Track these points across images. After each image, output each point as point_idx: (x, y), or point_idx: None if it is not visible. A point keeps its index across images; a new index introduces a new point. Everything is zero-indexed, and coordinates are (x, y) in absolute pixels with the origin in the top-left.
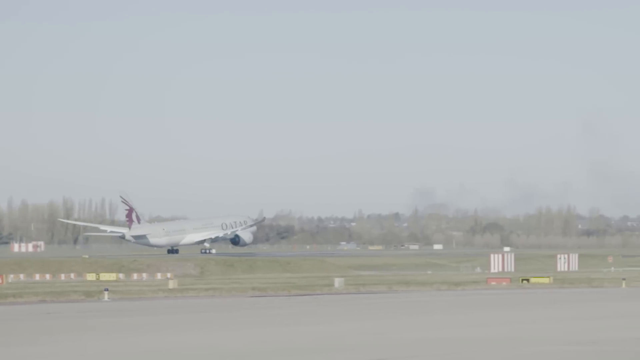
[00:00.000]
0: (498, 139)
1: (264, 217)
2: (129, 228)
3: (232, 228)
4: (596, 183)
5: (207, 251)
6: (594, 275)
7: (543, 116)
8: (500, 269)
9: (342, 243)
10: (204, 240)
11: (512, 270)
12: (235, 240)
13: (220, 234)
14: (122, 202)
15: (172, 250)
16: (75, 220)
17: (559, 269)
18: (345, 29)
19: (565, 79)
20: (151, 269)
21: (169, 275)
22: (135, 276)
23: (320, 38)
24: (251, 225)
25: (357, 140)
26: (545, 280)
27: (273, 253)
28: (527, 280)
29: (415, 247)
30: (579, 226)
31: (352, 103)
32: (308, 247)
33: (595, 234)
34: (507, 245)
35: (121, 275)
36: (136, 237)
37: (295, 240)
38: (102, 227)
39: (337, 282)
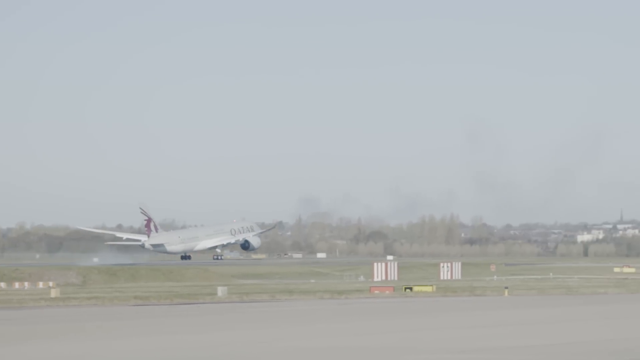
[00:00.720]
0: (383, 148)
1: (275, 225)
2: (148, 237)
3: (241, 233)
4: (480, 192)
5: (219, 257)
6: (477, 283)
7: (427, 125)
8: (384, 278)
9: (225, 252)
10: (216, 246)
11: (396, 278)
12: (245, 245)
13: (232, 240)
14: (141, 212)
15: (185, 257)
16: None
17: (442, 278)
18: (235, 39)
19: (449, 88)
20: (33, 278)
21: (51, 284)
22: (17, 285)
23: (208, 45)
24: (263, 232)
25: (241, 147)
26: (428, 288)
27: (156, 262)
28: (410, 288)
29: (299, 255)
30: (462, 235)
31: (235, 109)
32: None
33: (478, 242)
34: (391, 254)
35: (2, 284)
36: (155, 246)
37: None
38: (119, 235)
39: (220, 290)
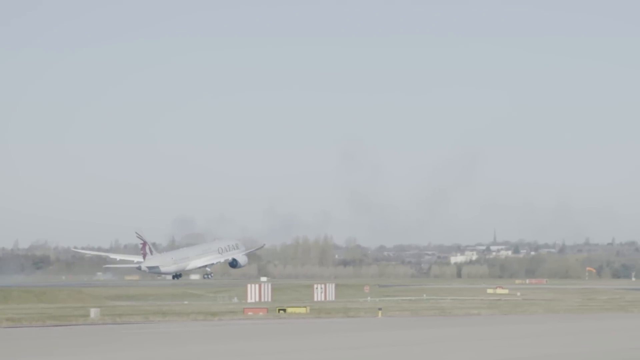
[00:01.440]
0: (259, 168)
1: (264, 244)
2: (143, 259)
3: (227, 251)
4: (355, 213)
5: (208, 275)
6: (351, 305)
7: (303, 145)
8: (258, 299)
9: (99, 273)
10: (206, 265)
11: (269, 300)
12: (233, 263)
13: (221, 259)
14: (137, 237)
15: (176, 276)
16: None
17: (316, 299)
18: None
19: (325, 108)
20: None
21: None
22: None
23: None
24: (251, 251)
25: (113, 168)
26: (302, 310)
27: (28, 283)
28: (284, 310)
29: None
30: (336, 256)
31: (108, 129)
32: (64, 277)
33: (352, 263)
34: (265, 275)
35: None
36: (150, 268)
37: (51, 271)
38: (112, 256)
39: (93, 312)
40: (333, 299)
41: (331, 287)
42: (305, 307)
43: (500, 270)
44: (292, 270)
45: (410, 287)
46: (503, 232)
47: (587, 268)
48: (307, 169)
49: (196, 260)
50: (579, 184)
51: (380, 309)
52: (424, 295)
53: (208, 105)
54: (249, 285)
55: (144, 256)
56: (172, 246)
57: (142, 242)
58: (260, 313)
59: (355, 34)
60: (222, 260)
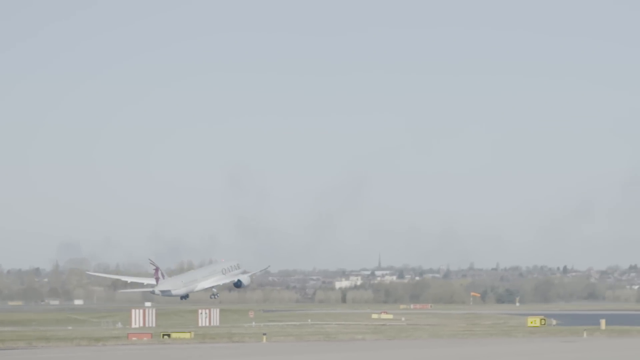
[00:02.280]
0: (145, 192)
1: (269, 266)
2: (157, 284)
3: (230, 272)
4: (241, 237)
5: (215, 295)
6: (236, 330)
7: (190, 169)
8: (142, 324)
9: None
10: (213, 287)
11: (154, 325)
12: (238, 284)
13: (227, 280)
14: (150, 263)
15: (184, 297)
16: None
17: (200, 324)
18: None
19: (211, 132)
20: None
21: None
22: None
23: None
24: (254, 273)
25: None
26: (187, 335)
27: None
28: (168, 335)
29: (56, 302)
30: None
31: None
32: None
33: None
34: (149, 301)
35: None
36: (163, 292)
37: None
38: (124, 278)
39: None
40: (217, 324)
41: (216, 312)
42: (189, 332)
43: (385, 295)
44: None
45: (295, 312)
46: (388, 258)
47: (472, 293)
48: (193, 193)
49: (203, 282)
50: (464, 210)
51: (264, 334)
52: (309, 320)
53: (90, 127)
54: (133, 310)
55: (157, 280)
56: (57, 270)
57: (154, 267)
58: (145, 338)
59: (245, 60)
60: (227, 281)
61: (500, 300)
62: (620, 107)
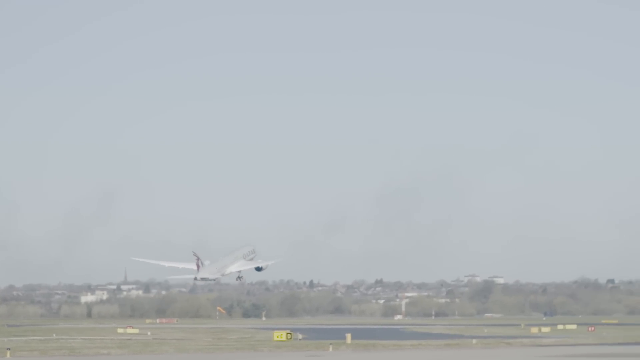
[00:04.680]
0: None
1: (281, 257)
2: (197, 271)
3: (249, 256)
4: None
5: (240, 279)
6: None
7: None
8: None
9: None
10: (240, 271)
11: None
12: (259, 268)
13: (252, 265)
14: (194, 255)
15: (214, 280)
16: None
17: None
18: None
19: None
20: None
21: None
22: None
23: None
24: (273, 263)
25: None
26: None
27: None
28: None
29: None
30: None
31: None
32: None
33: None
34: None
35: None
36: (202, 278)
37: None
38: (162, 263)
39: None
40: None
41: None
42: None
43: (131, 310)
44: None
45: (40, 327)
46: (134, 272)
47: (218, 307)
48: None
49: (231, 267)
50: (216, 222)
51: (8, 349)
52: (54, 334)
53: None
54: None
55: (198, 268)
56: None
57: (196, 258)
58: None
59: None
60: (252, 266)
61: (246, 314)
62: (376, 124)
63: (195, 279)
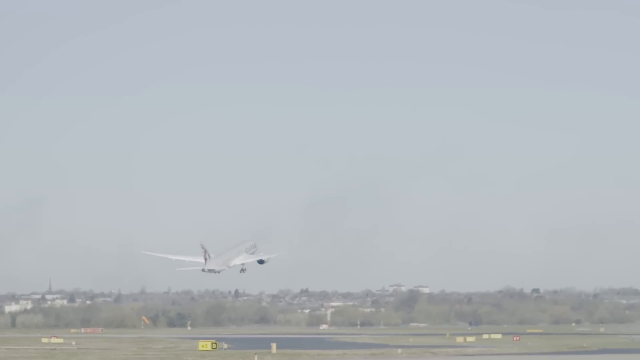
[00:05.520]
0: None
1: (285, 251)
2: (205, 263)
3: (251, 250)
4: None
5: (244, 270)
6: None
7: None
8: None
9: None
10: (243, 264)
11: None
12: (261, 261)
13: (254, 258)
14: (201, 247)
15: (218, 272)
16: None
17: None
18: None
19: None
20: None
21: None
22: None
23: None
24: (274, 255)
25: None
26: None
27: None
28: None
29: None
30: None
31: None
32: None
33: None
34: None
35: None
36: (209, 270)
37: None
38: (169, 257)
39: None
40: None
41: None
42: None
43: (56, 320)
44: None
45: None
46: (60, 281)
47: (143, 317)
48: None
49: (236, 259)
50: (141, 232)
51: None
52: None
53: None
54: None
55: (205, 260)
56: None
57: (204, 251)
58: None
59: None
60: (254, 259)
61: (171, 324)
62: (303, 133)
63: (203, 270)
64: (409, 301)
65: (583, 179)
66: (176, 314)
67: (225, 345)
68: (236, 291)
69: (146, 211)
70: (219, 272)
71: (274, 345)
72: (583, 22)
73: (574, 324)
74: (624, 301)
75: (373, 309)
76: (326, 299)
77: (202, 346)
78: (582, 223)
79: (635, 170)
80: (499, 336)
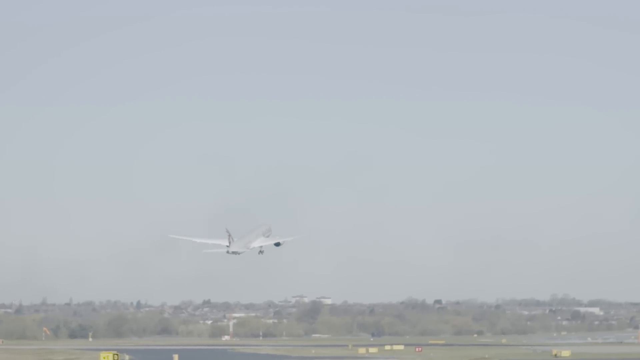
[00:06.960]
0: None
1: (295, 236)
2: (229, 246)
3: (266, 234)
4: None
5: (262, 252)
6: None
7: None
8: None
9: None
10: (261, 246)
11: None
12: (277, 244)
13: (272, 241)
14: (226, 231)
15: (237, 253)
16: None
17: None
18: None
19: None
20: None
21: None
22: None
23: None
24: (290, 239)
25: None
26: None
27: None
28: None
29: None
30: None
31: None
32: None
33: None
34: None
35: None
36: (233, 252)
37: None
38: (193, 239)
39: None
40: None
41: None
42: None
43: None
44: None
45: None
46: None
47: (44, 328)
48: None
49: (255, 242)
50: (45, 243)
51: None
52: None
53: None
54: None
55: (230, 243)
56: None
57: (228, 234)
58: None
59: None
60: (272, 242)
61: (73, 335)
62: (209, 143)
63: (227, 252)
64: (312, 312)
65: (491, 193)
66: (78, 325)
67: (127, 357)
68: (138, 302)
69: (51, 220)
70: (240, 253)
71: (176, 356)
72: (495, 27)
73: (476, 335)
74: (525, 312)
75: (275, 320)
76: (228, 310)
77: (104, 358)
78: (487, 237)
79: (542, 185)
80: (401, 347)
